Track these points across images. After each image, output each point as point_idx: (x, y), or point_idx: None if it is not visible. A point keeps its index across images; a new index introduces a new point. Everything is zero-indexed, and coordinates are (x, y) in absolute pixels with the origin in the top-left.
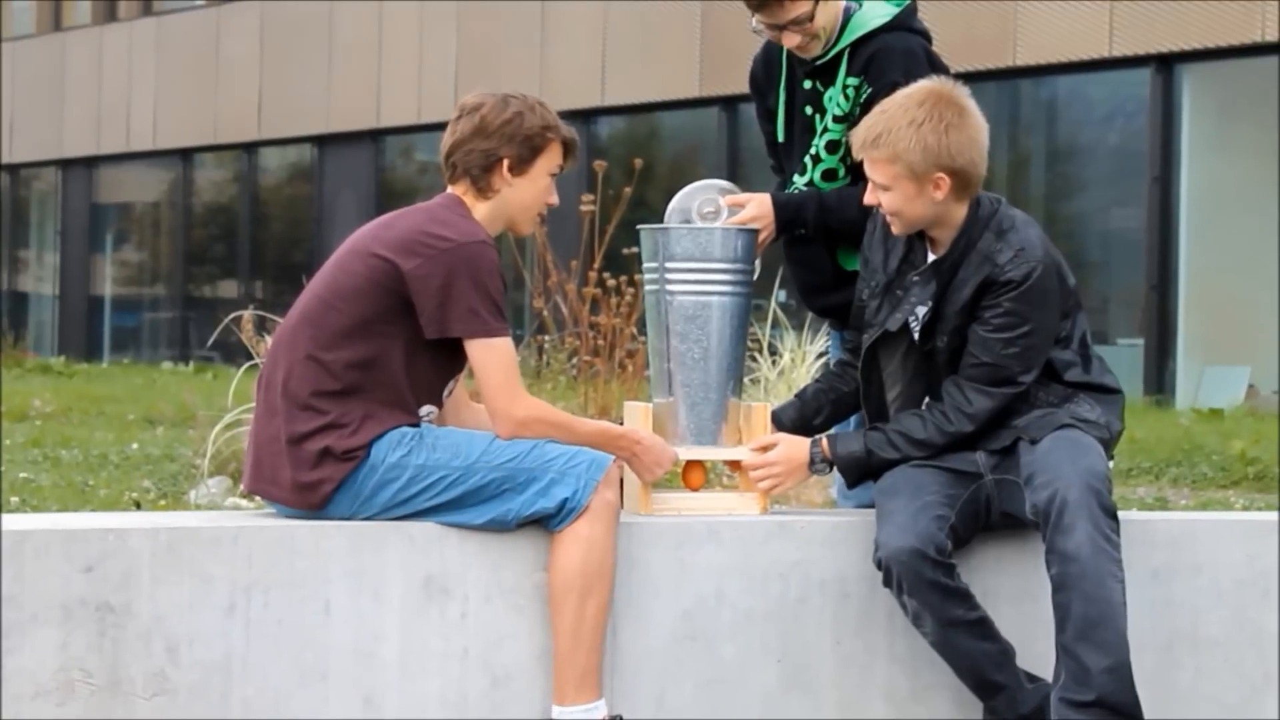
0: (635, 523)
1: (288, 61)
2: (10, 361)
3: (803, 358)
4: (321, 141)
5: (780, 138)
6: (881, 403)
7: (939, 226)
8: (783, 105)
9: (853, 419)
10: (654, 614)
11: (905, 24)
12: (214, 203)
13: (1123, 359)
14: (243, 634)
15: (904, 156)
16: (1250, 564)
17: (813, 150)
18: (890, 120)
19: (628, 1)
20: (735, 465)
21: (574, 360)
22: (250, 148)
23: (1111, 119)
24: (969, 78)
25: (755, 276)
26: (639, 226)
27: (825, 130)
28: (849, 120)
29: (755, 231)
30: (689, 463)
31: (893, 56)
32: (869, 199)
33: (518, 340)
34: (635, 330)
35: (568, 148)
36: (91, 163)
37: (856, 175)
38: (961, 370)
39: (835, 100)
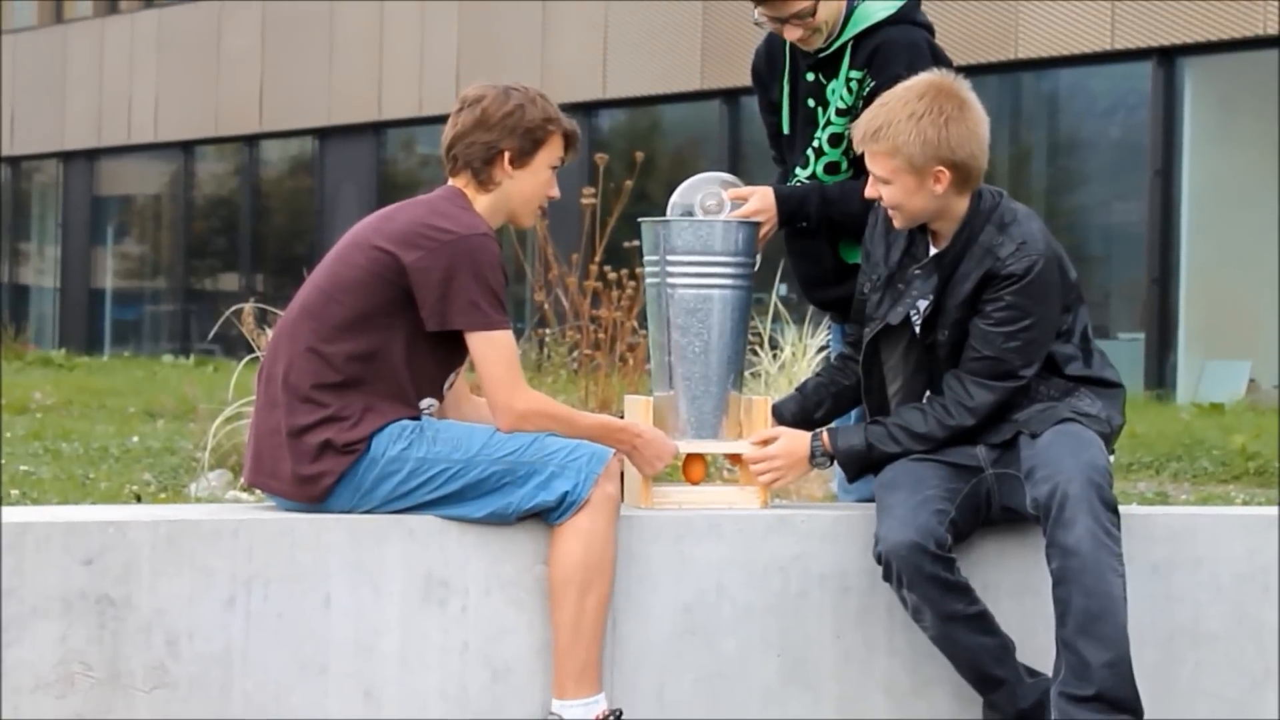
0: (635, 516)
1: (289, 54)
2: (11, 354)
3: (803, 351)
4: (323, 134)
5: (785, 129)
6: (882, 396)
7: (940, 220)
8: (786, 97)
9: (854, 413)
10: (654, 608)
11: (909, 17)
12: (215, 195)
13: (1124, 353)
14: (243, 627)
15: (904, 150)
16: (1250, 559)
17: (815, 143)
18: (890, 113)
19: None
20: (736, 459)
21: (575, 354)
22: (251, 140)
23: (1113, 112)
24: (971, 71)
25: (755, 269)
26: (640, 219)
27: (828, 123)
28: (852, 113)
29: (756, 224)
30: (689, 456)
31: (896, 50)
32: (870, 192)
33: (518, 333)
34: (636, 324)
35: (569, 140)
36: (93, 155)
37: (859, 168)
38: (962, 364)
39: (838, 93)
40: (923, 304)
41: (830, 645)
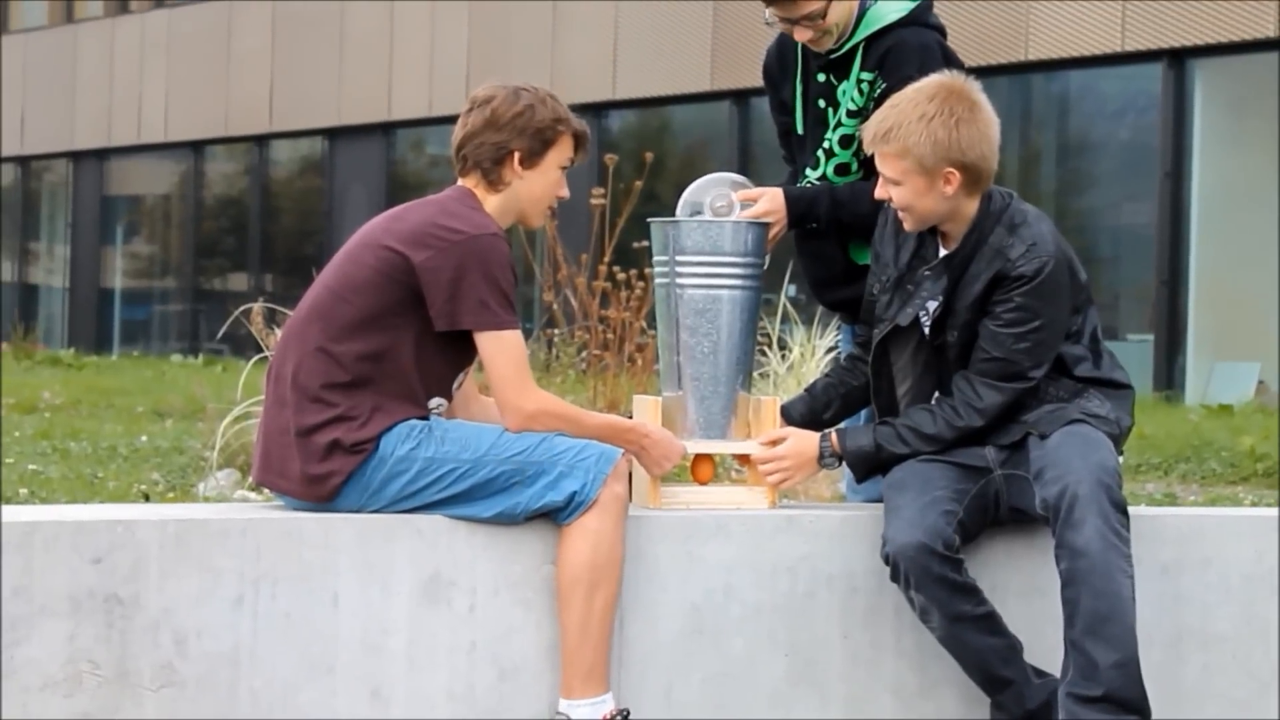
0: (643, 516)
1: (299, 54)
2: (20, 354)
3: (812, 352)
4: (332, 134)
5: (799, 129)
6: (891, 397)
7: (950, 221)
8: (799, 97)
9: (862, 413)
10: (662, 608)
11: (921, 19)
12: (225, 195)
13: (1133, 354)
14: (250, 626)
15: (914, 151)
16: (1259, 560)
17: (826, 144)
18: (900, 115)
19: None
20: (744, 459)
21: (583, 354)
22: (261, 140)
23: (1123, 114)
24: (981, 72)
25: (764, 268)
26: (649, 220)
27: (839, 124)
28: (863, 115)
29: (766, 225)
30: (697, 456)
31: (908, 52)
32: (880, 193)
33: (527, 333)
34: (645, 324)
35: (579, 141)
36: (102, 155)
37: (869, 169)
38: (972, 365)
39: (849, 94)
40: (932, 305)
41: (838, 646)
